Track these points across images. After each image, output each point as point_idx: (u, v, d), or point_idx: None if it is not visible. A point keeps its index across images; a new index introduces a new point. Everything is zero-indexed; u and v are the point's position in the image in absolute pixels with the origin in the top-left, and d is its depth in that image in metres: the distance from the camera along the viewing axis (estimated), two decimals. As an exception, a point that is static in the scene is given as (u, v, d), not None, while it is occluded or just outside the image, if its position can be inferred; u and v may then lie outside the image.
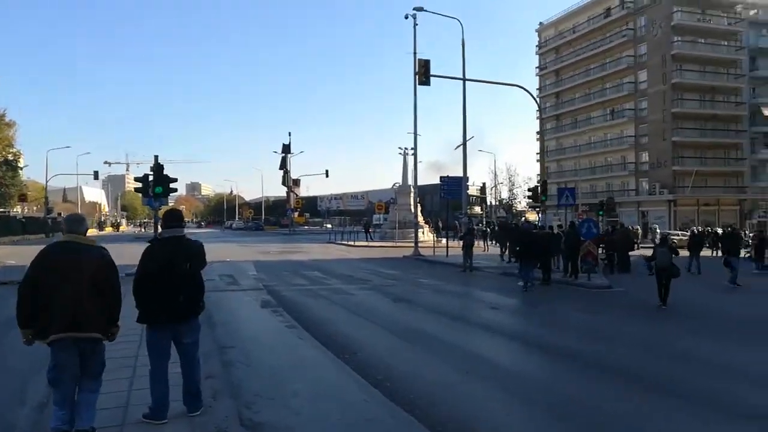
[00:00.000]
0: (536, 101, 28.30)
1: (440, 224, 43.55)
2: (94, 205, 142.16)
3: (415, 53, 28.40)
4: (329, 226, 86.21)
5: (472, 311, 12.45)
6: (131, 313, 4.88)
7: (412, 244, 39.41)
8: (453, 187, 26.88)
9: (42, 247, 4.56)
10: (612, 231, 22.76)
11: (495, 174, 76.78)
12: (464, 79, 23.19)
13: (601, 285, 16.37)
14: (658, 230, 46.95)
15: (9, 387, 6.21)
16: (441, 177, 26.74)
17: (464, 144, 24.77)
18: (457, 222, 48.22)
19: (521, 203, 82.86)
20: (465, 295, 15.29)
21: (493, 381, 6.96)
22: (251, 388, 6.21)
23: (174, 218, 5.18)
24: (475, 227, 40.61)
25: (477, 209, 77.57)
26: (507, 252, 24.33)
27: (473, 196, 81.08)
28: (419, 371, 7.21)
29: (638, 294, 15.32)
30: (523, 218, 20.55)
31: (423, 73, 19.17)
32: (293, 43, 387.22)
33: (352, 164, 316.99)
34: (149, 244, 5.10)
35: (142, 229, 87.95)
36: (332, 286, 16.36)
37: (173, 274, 4.83)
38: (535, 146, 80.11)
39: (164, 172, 14.94)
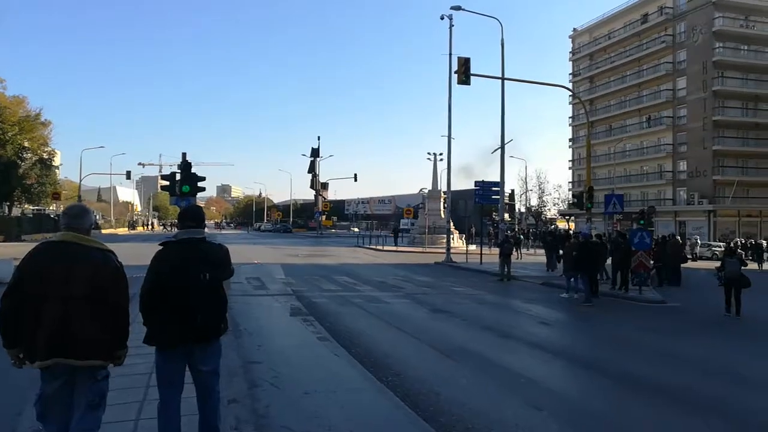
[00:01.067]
0: (581, 101, 27.05)
1: (473, 231, 42.39)
2: (127, 205, 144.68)
3: (450, 54, 27.60)
4: (356, 229, 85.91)
5: (520, 326, 11.41)
6: (142, 324, 4.05)
7: (442, 250, 38.54)
8: (488, 192, 25.84)
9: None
10: (662, 242, 21.44)
11: (525, 181, 75.34)
12: (503, 79, 22.18)
13: (654, 299, 15.20)
14: (698, 241, 45.12)
15: (3, 410, 5.37)
16: (476, 182, 25.78)
17: (502, 147, 23.74)
18: (491, 228, 47.13)
19: (550, 210, 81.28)
20: (508, 308, 14.27)
21: (562, 417, 5.99)
22: (280, 418, 5.36)
23: (191, 216, 4.17)
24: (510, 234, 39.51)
25: (506, 216, 76.22)
26: (557, 262, 23.24)
27: (481, 204, 79.54)
28: (476, 402, 6.26)
29: (695, 309, 14.19)
30: (589, 228, 19.30)
31: (463, 72, 18.27)
32: (325, 47, 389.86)
33: (379, 169, 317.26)
34: (160, 247, 4.17)
35: (171, 230, 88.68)
36: (364, 293, 15.52)
37: (188, 286, 3.94)
38: (567, 153, 78.22)
39: (192, 170, 14.26)
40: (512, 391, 6.83)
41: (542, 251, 35.28)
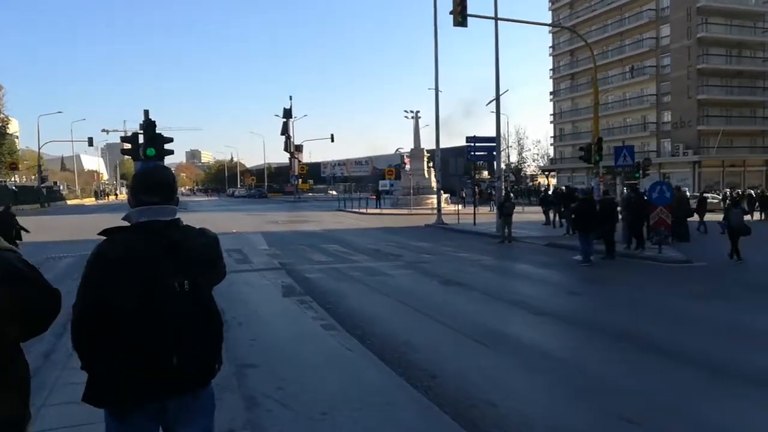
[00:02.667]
0: (586, 43, 25.39)
1: (464, 191, 40.92)
2: (93, 174, 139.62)
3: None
4: (334, 192, 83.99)
5: (548, 298, 9.90)
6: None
7: (429, 212, 37.10)
8: (482, 148, 24.19)
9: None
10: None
11: (506, 137, 73.88)
12: (496, 19, 20.24)
13: (677, 258, 13.93)
14: (687, 193, 44.48)
15: None
16: (467, 137, 24.04)
17: (497, 98, 22.01)
18: (476, 188, 45.71)
19: (530, 167, 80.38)
20: (523, 275, 12.74)
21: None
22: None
23: (154, 185, 2.50)
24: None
25: (485, 174, 75.01)
26: (558, 220, 21.86)
27: (473, 162, 78.18)
28: (558, 420, 4.76)
29: (723, 269, 12.96)
30: (597, 184, 17.89)
31: (459, 11, 16.38)
32: (295, 4, 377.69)
33: (356, 130, 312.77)
34: (103, 239, 2.45)
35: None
36: (361, 263, 13.94)
37: (155, 305, 2.31)
38: (548, 107, 76.71)
39: (157, 131, 12.31)
40: (576, 391, 5.37)
41: (533, 209, 34.15)
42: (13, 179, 67.67)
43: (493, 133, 23.10)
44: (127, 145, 12.28)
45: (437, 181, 27.74)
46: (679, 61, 55.25)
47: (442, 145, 27.36)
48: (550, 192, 28.30)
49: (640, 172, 27.33)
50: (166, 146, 12.87)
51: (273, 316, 8.38)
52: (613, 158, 18.03)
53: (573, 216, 14.32)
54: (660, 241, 14.29)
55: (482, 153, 24.40)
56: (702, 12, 53.61)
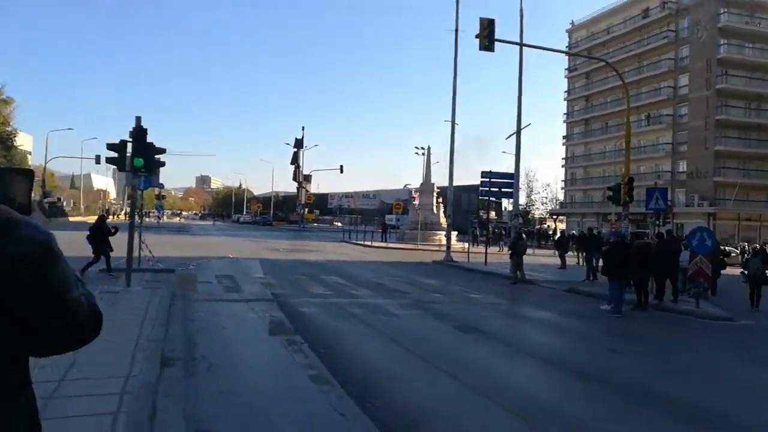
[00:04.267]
0: (619, 75, 24.38)
1: (476, 229, 39.37)
2: (99, 193, 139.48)
3: (456, 30, 24.72)
4: (339, 224, 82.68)
5: (591, 358, 8.22)
6: None
7: (436, 248, 35.71)
8: (498, 184, 22.87)
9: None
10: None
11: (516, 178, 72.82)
12: (521, 45, 19.19)
13: (718, 315, 12.39)
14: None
15: None
16: (483, 172, 22.80)
17: (518, 132, 20.83)
18: (478, 227, 44.37)
19: (538, 210, 79.12)
20: (551, 326, 11.02)
21: None
22: None
23: None
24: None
25: (492, 214, 73.72)
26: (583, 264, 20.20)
27: (488, 200, 77.08)
28: None
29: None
30: (627, 227, 16.46)
31: (486, 35, 15.32)
32: (308, 34, 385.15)
33: (365, 164, 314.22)
34: None
35: (148, 219, 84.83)
36: (362, 299, 12.48)
37: None
38: (560, 151, 75.88)
39: (148, 139, 11.06)
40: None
41: (543, 252, 32.59)
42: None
43: (505, 171, 21.85)
44: (112, 154, 11.01)
45: (448, 217, 26.37)
46: (697, 111, 54.45)
47: (453, 182, 26.09)
48: (572, 233, 26.82)
49: (660, 219, 25.90)
50: (159, 157, 11.62)
51: (253, 359, 6.91)
52: (643, 202, 16.63)
53: (604, 261, 12.85)
54: (698, 294, 12.78)
55: (498, 189, 23.08)
56: (722, 63, 53.05)
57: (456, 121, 24.93)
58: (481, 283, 17.94)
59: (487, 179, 22.92)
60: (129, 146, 10.99)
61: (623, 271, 12.09)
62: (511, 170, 23.70)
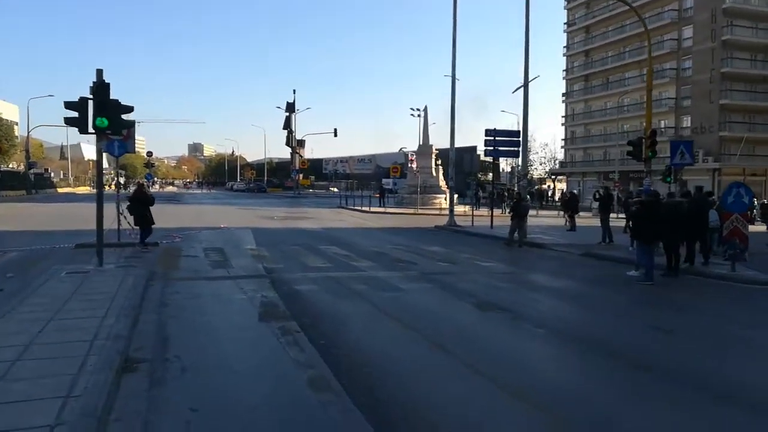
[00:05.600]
0: (644, 25, 22.70)
1: (478, 191, 38.17)
2: (90, 163, 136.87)
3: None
4: (335, 189, 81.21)
5: (637, 339, 6.91)
6: None
7: (436, 212, 34.45)
8: (501, 143, 21.41)
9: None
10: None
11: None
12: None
13: (758, 279, 11.20)
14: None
15: None
16: (487, 130, 21.31)
17: (526, 85, 19.29)
18: (479, 188, 43.14)
19: (537, 170, 77.64)
20: (579, 298, 9.44)
21: None
22: None
23: None
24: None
25: (489, 176, 72.30)
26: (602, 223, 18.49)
27: (492, 160, 75.43)
28: None
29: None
30: (649, 184, 15.10)
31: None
32: None
33: (358, 126, 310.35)
34: None
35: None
36: (365, 272, 11.24)
37: None
38: (558, 110, 74.05)
39: (111, 96, 9.57)
40: None
41: (545, 213, 31.34)
42: (11, 165, 65.02)
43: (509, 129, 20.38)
44: (72, 113, 9.53)
45: (450, 179, 24.99)
46: (702, 64, 52.64)
47: (449, 144, 24.60)
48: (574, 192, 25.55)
49: (672, 176, 24.58)
50: (125, 117, 10.15)
51: (239, 357, 5.64)
52: (673, 154, 15.34)
53: (633, 222, 11.57)
54: (734, 257, 11.57)
55: (504, 148, 21.62)
56: (728, 14, 51.00)
57: (456, 76, 23.29)
58: (489, 248, 16.71)
59: (492, 137, 21.43)
60: (91, 105, 9.51)
61: (656, 233, 10.84)
62: (511, 129, 22.22)
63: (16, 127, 69.06)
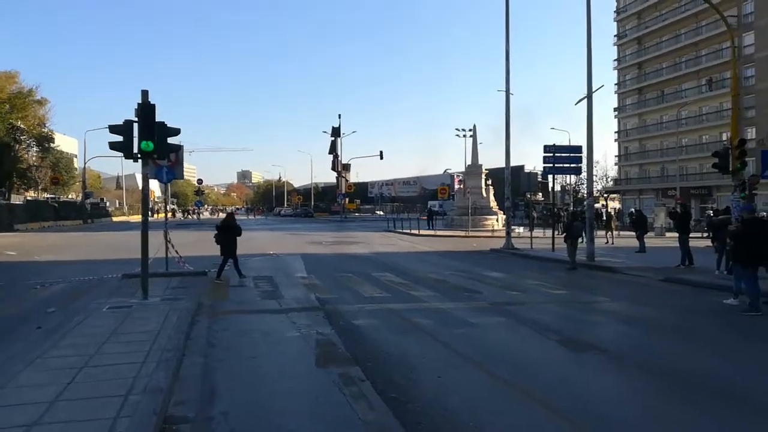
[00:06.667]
0: (719, 13, 21.31)
1: (534, 212, 36.71)
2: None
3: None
4: (381, 213, 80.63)
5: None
6: None
7: (488, 234, 33.16)
8: (564, 159, 20.14)
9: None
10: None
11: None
12: None
13: None
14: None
15: None
16: (546, 146, 20.09)
17: (589, 96, 18.04)
18: (532, 209, 41.51)
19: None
20: (681, 334, 7.98)
21: None
22: None
23: None
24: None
25: (539, 196, 70.20)
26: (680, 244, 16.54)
27: (541, 182, 73.74)
28: None
29: None
30: (739, 201, 13.61)
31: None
32: (345, 18, 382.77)
33: (401, 148, 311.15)
34: None
35: (188, 216, 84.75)
36: (427, 303, 10.23)
37: None
38: (610, 125, 71.65)
39: (157, 119, 9.01)
40: None
41: (601, 233, 29.44)
42: (70, 196, 67.39)
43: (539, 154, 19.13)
44: (116, 137, 9.01)
45: (507, 199, 23.77)
46: (766, 71, 49.83)
47: (497, 164, 23.56)
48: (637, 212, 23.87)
49: (747, 191, 22.62)
50: (172, 140, 9.57)
51: (296, 416, 4.69)
52: (760, 166, 13.82)
53: (735, 243, 10.14)
54: None
55: (564, 165, 20.33)
56: (792, 17, 48.30)
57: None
58: (554, 273, 15.43)
59: (551, 154, 20.20)
60: (135, 128, 8.97)
61: (759, 254, 9.43)
62: (572, 145, 20.96)
63: (75, 159, 71.78)
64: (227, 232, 13.35)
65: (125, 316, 8.12)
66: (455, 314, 9.10)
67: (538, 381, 5.68)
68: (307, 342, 7.12)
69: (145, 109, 8.93)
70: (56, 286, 12.45)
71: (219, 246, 13.37)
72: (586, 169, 20.95)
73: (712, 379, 5.90)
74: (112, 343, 6.41)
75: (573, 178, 68.65)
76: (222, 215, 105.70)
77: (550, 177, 23.63)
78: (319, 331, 7.65)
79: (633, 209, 33.22)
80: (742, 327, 8.66)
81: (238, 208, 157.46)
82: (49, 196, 57.47)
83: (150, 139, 8.87)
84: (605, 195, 72.45)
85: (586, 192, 20.69)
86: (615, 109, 68.83)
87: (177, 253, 14.07)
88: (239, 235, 13.69)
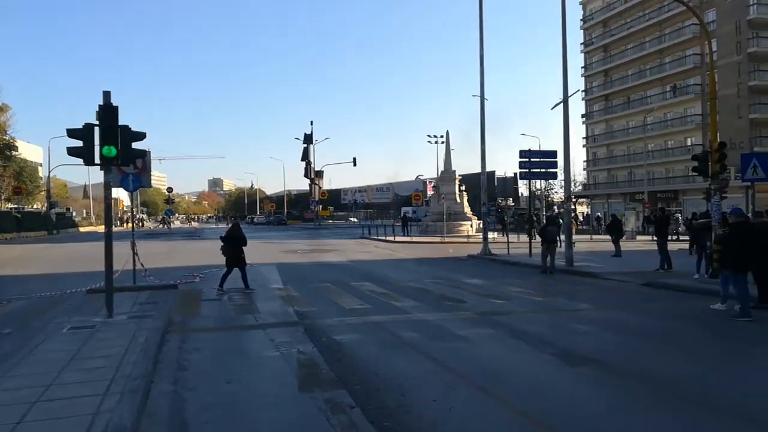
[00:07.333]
0: (703, 26, 21.42)
1: (505, 216, 36.78)
2: (114, 202, 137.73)
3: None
4: (354, 219, 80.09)
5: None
6: None
7: (463, 239, 33.00)
8: (539, 164, 20.02)
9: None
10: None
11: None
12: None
13: None
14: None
15: None
16: (521, 151, 19.95)
17: (565, 101, 17.92)
18: (503, 214, 41.62)
19: (557, 194, 75.90)
20: (676, 343, 7.66)
21: None
22: None
23: None
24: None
25: (510, 201, 70.65)
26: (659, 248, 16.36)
27: (515, 188, 74.21)
28: None
29: None
30: (719, 205, 13.49)
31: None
32: (315, 23, 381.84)
33: (375, 155, 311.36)
34: None
35: (160, 226, 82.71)
36: (411, 314, 9.80)
37: None
38: (579, 130, 72.73)
39: (119, 122, 8.39)
40: None
41: (577, 237, 29.62)
42: (35, 206, 65.04)
43: (512, 159, 19.03)
44: (76, 142, 8.36)
45: (483, 204, 23.55)
46: (728, 78, 51.04)
47: (469, 170, 23.40)
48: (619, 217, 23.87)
49: (718, 195, 22.82)
50: (137, 145, 8.95)
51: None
52: (740, 170, 13.83)
53: (723, 247, 9.97)
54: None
55: (540, 170, 20.20)
56: (753, 26, 49.70)
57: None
58: (535, 279, 15.19)
59: (526, 159, 20.06)
60: (97, 132, 8.33)
61: (747, 258, 9.28)
62: (547, 150, 20.88)
63: (39, 168, 69.46)
64: (234, 242, 13.13)
65: (87, 337, 7.47)
66: (443, 327, 8.68)
67: (538, 400, 5.29)
68: (287, 362, 6.60)
69: (107, 111, 8.31)
70: (16, 303, 11.64)
71: (225, 257, 13.16)
72: (562, 174, 20.86)
73: (723, 394, 5.60)
74: (72, 370, 5.79)
75: (542, 183, 69.29)
76: (194, 224, 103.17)
77: (521, 182, 23.64)
78: (300, 350, 7.14)
79: (612, 214, 33.52)
80: (735, 334, 8.45)
81: (210, 217, 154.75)
82: (12, 206, 55.40)
83: (113, 143, 8.25)
84: (574, 200, 73.39)
85: (564, 196, 20.53)
86: (583, 116, 69.81)
87: (142, 265, 13.35)
88: (245, 245, 13.40)
